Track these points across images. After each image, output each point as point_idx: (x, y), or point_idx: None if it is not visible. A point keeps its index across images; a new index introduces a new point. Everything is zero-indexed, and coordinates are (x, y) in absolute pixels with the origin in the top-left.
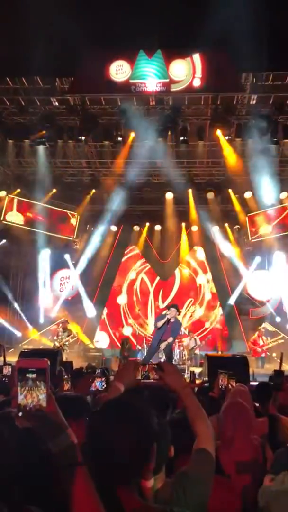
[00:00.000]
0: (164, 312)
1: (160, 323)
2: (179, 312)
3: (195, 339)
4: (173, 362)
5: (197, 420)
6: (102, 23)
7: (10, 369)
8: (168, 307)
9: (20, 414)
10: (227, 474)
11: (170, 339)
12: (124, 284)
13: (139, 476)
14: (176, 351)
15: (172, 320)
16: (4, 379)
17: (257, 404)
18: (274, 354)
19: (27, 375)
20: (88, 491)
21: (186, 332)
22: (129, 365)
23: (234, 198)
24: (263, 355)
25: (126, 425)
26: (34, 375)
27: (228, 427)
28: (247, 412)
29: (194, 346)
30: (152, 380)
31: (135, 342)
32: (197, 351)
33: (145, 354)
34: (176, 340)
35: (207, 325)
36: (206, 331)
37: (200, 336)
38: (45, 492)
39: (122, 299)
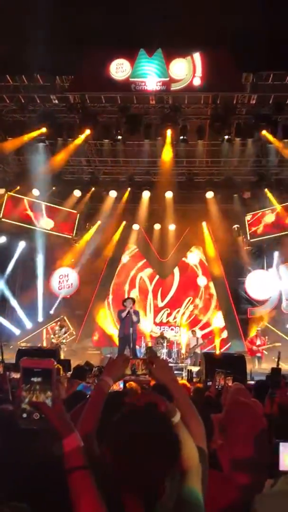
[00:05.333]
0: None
1: (123, 314)
2: (134, 302)
3: (197, 338)
4: (171, 360)
5: (188, 416)
6: (103, 21)
7: (1, 368)
8: (124, 301)
9: (24, 415)
10: (226, 471)
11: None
12: (127, 282)
13: (154, 487)
14: (174, 350)
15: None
16: None
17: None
18: (272, 356)
19: (33, 378)
20: (91, 494)
21: (185, 331)
22: (118, 359)
23: (233, 197)
24: (258, 354)
25: (152, 434)
26: (39, 379)
27: (235, 426)
28: (254, 411)
29: (195, 344)
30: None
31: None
32: (197, 350)
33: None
34: (175, 339)
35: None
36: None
37: (202, 334)
38: (47, 495)
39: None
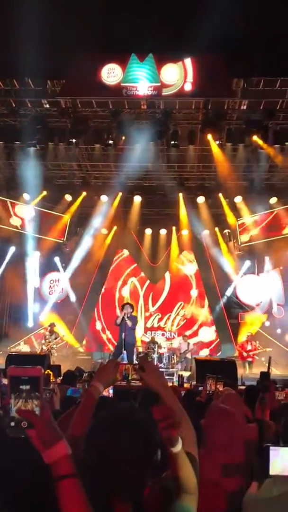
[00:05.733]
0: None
1: (118, 320)
2: (133, 308)
3: (188, 343)
4: (162, 365)
5: (181, 424)
6: (94, 26)
7: None
8: (122, 306)
9: (12, 424)
10: (212, 478)
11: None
12: (118, 287)
13: (138, 490)
14: (166, 355)
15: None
16: None
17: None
18: (262, 359)
19: (21, 386)
20: (80, 503)
21: (176, 336)
22: (109, 365)
23: (224, 202)
24: (249, 359)
25: (128, 437)
26: (28, 387)
27: (214, 432)
28: (233, 416)
29: (186, 350)
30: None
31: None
32: (188, 355)
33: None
34: (167, 343)
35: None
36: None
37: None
38: (37, 504)
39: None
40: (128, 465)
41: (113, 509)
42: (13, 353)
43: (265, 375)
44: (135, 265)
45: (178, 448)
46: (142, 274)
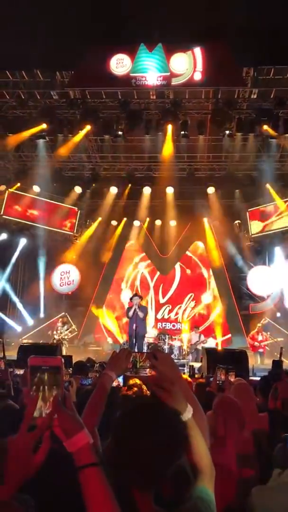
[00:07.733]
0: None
1: (130, 313)
2: (141, 298)
3: (199, 334)
4: (172, 356)
5: (194, 414)
6: (103, 17)
7: (3, 364)
8: (131, 298)
9: (35, 414)
10: (222, 467)
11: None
12: (124, 279)
13: (161, 480)
14: (176, 346)
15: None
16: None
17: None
18: (275, 353)
19: (41, 376)
20: (104, 491)
21: (187, 327)
22: (121, 354)
23: (234, 192)
24: (260, 350)
25: (156, 429)
26: (48, 376)
27: (219, 424)
28: (238, 408)
29: (198, 341)
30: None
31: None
32: (199, 347)
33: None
34: (176, 336)
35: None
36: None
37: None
38: (58, 493)
39: (125, 295)
40: (155, 456)
41: (134, 498)
42: (25, 344)
43: (277, 364)
44: (145, 255)
45: (187, 416)
46: (152, 264)
